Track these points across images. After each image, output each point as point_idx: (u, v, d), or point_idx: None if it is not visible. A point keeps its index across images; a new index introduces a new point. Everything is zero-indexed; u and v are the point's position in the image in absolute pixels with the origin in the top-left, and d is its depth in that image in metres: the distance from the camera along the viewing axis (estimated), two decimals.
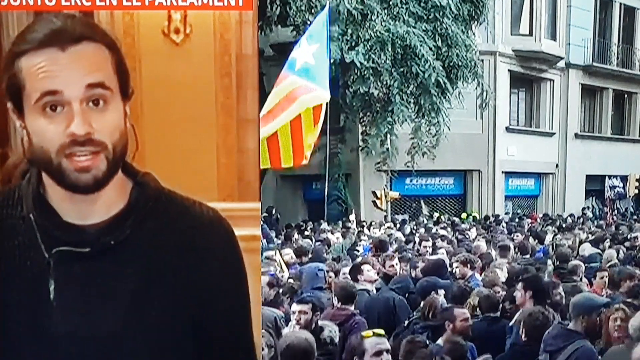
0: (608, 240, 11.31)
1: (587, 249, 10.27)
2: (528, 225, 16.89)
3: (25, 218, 1.57)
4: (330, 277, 6.61)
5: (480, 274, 7.20)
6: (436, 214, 19.62)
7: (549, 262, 8.73)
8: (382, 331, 3.85)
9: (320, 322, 4.63)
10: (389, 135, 16.79)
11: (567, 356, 4.23)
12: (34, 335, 1.54)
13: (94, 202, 1.56)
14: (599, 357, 4.33)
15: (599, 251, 9.77)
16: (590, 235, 12.81)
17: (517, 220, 18.23)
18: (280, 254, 8.04)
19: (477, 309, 5.56)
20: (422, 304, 5.43)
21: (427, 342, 4.39)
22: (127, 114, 1.59)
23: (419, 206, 21.13)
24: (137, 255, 1.57)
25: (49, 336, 1.53)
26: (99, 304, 1.55)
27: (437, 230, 14.20)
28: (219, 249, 1.67)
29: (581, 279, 7.20)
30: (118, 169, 1.58)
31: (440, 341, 4.63)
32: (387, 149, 17.20)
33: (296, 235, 12.45)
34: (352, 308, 5.11)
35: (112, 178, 1.56)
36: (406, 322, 5.40)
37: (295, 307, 4.67)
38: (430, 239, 10.63)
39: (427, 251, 9.41)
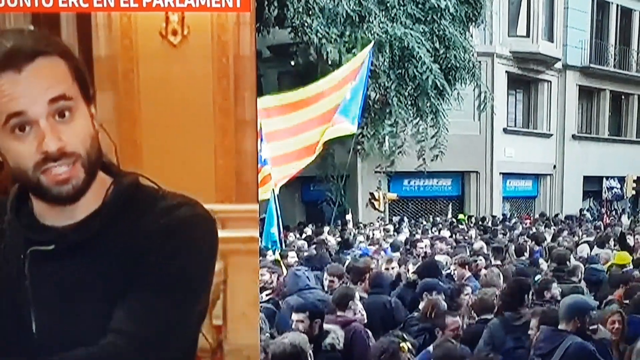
0: (611, 240, 11.31)
1: (585, 250, 10.27)
2: (525, 226, 16.91)
3: (10, 223, 1.63)
4: (332, 281, 6.47)
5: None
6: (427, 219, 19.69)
7: (544, 263, 8.74)
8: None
9: (326, 326, 4.59)
10: (387, 137, 16.79)
11: (561, 354, 4.28)
12: (15, 336, 1.59)
13: (73, 205, 1.60)
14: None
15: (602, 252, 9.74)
16: (587, 236, 12.81)
17: (512, 222, 18.25)
18: (281, 256, 8.02)
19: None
20: (422, 305, 5.42)
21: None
22: (94, 116, 1.61)
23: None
24: (107, 252, 1.60)
25: (29, 336, 1.59)
26: (71, 303, 1.59)
27: (435, 231, 14.22)
28: (178, 229, 1.64)
29: (580, 281, 7.20)
30: (96, 173, 1.62)
31: (431, 347, 4.60)
32: (385, 150, 17.20)
33: (291, 238, 12.38)
34: (350, 315, 5.05)
35: (92, 183, 1.60)
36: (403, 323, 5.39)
37: (293, 315, 4.65)
38: (443, 241, 10.70)
39: (431, 252, 9.41)
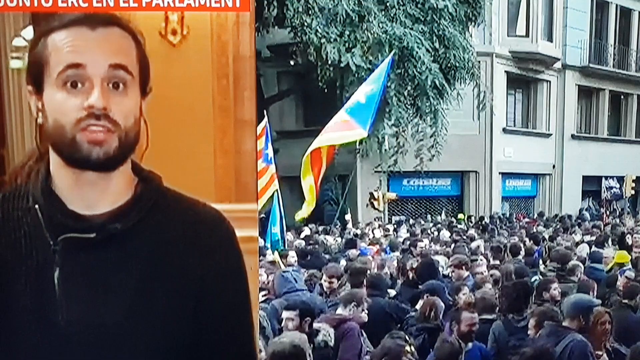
0: (610, 240, 11.32)
1: (584, 250, 10.28)
2: (521, 225, 16.93)
3: (31, 209, 1.58)
4: (331, 282, 6.44)
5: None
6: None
7: (542, 263, 8.76)
8: None
9: (315, 325, 4.60)
10: (386, 137, 16.80)
11: (561, 349, 4.39)
12: (39, 324, 1.55)
13: (101, 192, 1.58)
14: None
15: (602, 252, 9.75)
16: (588, 236, 12.81)
17: (510, 222, 18.31)
18: (279, 255, 8.02)
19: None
20: (420, 305, 5.43)
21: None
22: (143, 112, 1.62)
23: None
24: (141, 246, 1.59)
25: (54, 325, 1.54)
26: (103, 293, 1.56)
27: (434, 231, 14.21)
28: (220, 246, 1.69)
29: (579, 280, 7.20)
30: (129, 154, 1.60)
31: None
32: (385, 150, 17.22)
33: (290, 237, 12.38)
34: (345, 313, 5.05)
35: (122, 161, 1.58)
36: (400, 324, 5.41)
37: (284, 314, 4.67)
38: (437, 242, 10.70)
39: (427, 252, 9.41)
